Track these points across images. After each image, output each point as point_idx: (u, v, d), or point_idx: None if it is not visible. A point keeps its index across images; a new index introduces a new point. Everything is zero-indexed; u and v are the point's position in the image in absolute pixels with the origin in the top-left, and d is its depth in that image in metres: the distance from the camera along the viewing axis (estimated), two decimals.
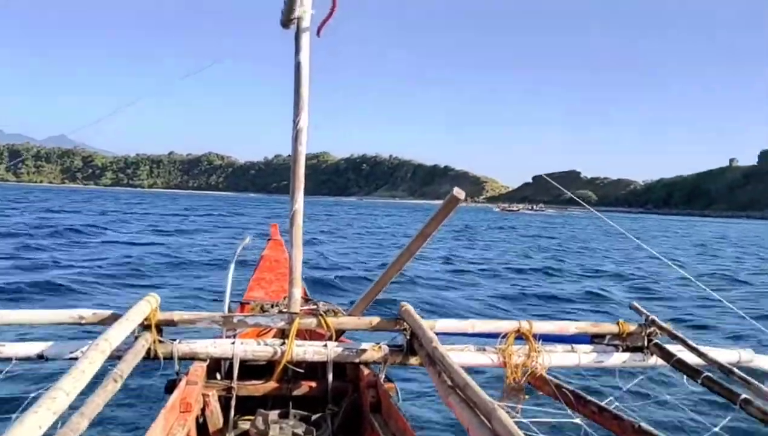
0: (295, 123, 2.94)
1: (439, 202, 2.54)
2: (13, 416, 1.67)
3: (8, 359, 2.60)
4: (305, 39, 2.90)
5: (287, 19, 2.88)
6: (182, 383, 2.63)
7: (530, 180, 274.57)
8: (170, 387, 2.69)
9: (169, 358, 2.72)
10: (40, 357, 2.63)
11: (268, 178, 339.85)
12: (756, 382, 2.46)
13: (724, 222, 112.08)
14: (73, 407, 1.75)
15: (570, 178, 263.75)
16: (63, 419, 1.67)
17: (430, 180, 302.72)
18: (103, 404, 1.92)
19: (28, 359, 2.64)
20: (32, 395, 1.76)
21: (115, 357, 2.32)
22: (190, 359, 2.80)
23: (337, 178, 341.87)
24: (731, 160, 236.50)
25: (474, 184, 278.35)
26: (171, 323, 2.78)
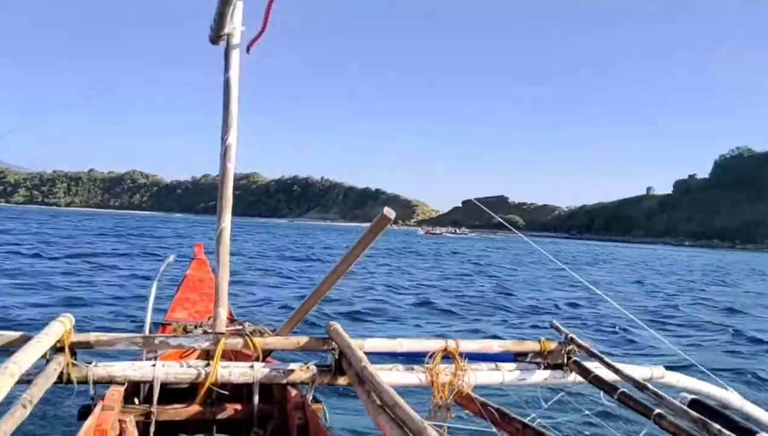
0: (224, 140, 2.90)
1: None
2: None
3: None
4: (235, 56, 2.88)
5: (216, 35, 2.85)
6: (97, 409, 2.51)
7: (460, 204, 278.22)
8: (84, 413, 2.57)
9: (83, 382, 2.58)
10: None
11: (196, 197, 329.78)
12: (668, 397, 2.59)
13: (645, 248, 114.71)
14: None
15: (499, 203, 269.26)
16: None
17: (361, 203, 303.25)
18: (11, 431, 1.81)
19: None
20: None
21: (25, 381, 2.19)
22: (107, 382, 2.67)
23: (267, 200, 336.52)
24: (648, 189, 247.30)
25: (405, 208, 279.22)
26: (86, 344, 2.64)
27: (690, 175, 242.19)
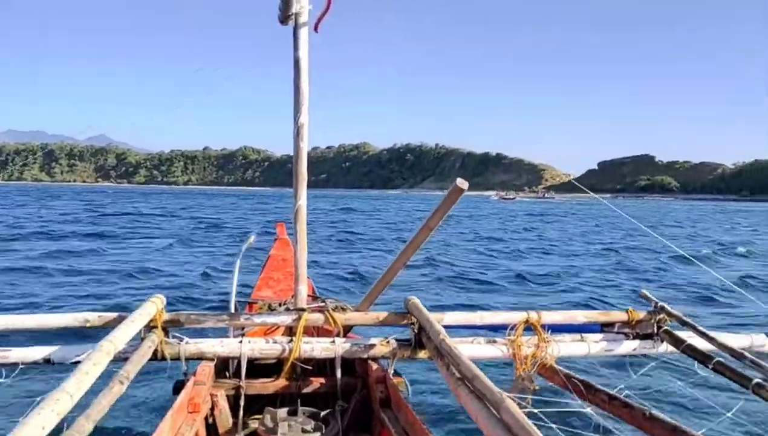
0: (296, 119, 2.93)
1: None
2: (20, 419, 1.67)
3: (15, 365, 2.60)
4: (303, 35, 2.89)
5: (285, 15, 2.86)
6: (190, 383, 2.63)
7: (595, 167, 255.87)
8: (178, 388, 2.69)
9: (176, 358, 2.71)
10: (47, 362, 2.63)
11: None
12: None
13: None
14: (79, 410, 1.75)
15: (643, 163, 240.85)
16: (68, 421, 1.66)
17: (482, 169, 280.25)
18: (109, 406, 1.91)
19: (35, 363, 2.64)
20: (38, 398, 1.76)
21: (121, 359, 2.32)
22: (197, 359, 2.80)
23: (380, 170, 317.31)
24: None
25: (531, 173, 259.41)
26: (177, 323, 2.77)
27: None
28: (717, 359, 2.57)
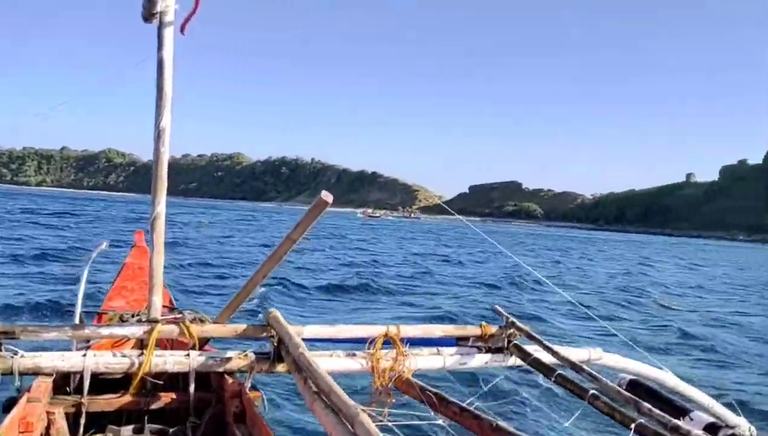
0: (158, 123, 2.80)
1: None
2: None
3: None
4: (168, 34, 2.77)
5: (149, 13, 2.74)
6: (22, 401, 2.41)
7: (467, 190, 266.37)
8: (9, 405, 2.46)
9: (8, 373, 2.47)
10: None
11: (175, 178, 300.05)
12: (603, 378, 2.65)
13: (703, 244, 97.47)
14: None
15: (510, 189, 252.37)
16: None
17: (357, 186, 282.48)
18: None
19: None
20: None
21: None
22: (33, 374, 2.56)
23: (254, 182, 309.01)
24: (688, 176, 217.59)
25: (405, 193, 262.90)
26: (11, 334, 2.52)
27: (740, 161, 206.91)
28: (559, 371, 2.75)
